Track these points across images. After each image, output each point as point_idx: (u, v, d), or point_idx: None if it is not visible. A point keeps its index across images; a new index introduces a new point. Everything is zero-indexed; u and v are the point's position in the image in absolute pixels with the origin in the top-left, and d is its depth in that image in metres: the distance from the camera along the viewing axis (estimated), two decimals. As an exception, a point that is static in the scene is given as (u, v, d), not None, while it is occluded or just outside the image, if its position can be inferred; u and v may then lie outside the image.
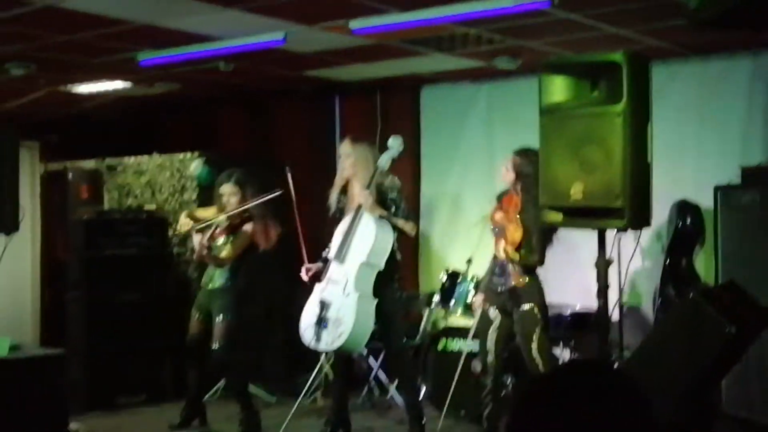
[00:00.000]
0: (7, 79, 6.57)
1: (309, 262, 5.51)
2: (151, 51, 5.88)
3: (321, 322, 5.08)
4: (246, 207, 5.68)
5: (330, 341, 5.04)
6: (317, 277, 5.34)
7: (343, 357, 5.46)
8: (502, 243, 4.79)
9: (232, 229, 5.71)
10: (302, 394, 6.13)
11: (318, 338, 5.08)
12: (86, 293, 6.90)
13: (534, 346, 4.86)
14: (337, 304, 5.07)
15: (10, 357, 4.88)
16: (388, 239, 5.15)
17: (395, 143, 5.21)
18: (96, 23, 5.13)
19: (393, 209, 5.20)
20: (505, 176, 5.05)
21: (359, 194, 5.18)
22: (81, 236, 6.98)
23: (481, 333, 5.08)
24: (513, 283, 4.83)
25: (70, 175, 8.04)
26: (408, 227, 5.25)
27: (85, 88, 7.25)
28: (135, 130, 8.91)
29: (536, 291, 4.95)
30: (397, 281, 5.31)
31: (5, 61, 6.06)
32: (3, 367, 4.85)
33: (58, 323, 7.68)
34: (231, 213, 5.69)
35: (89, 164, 8.10)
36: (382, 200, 5.21)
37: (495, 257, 5.04)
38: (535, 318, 4.90)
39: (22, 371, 4.90)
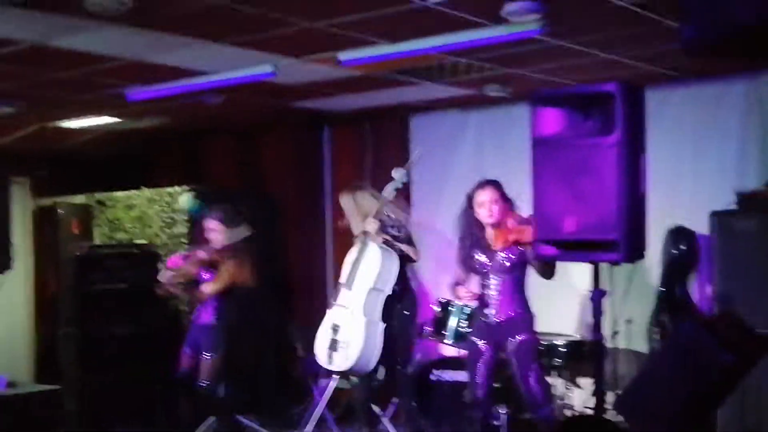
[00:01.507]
0: (-5, 117, 6.55)
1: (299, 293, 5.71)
2: (140, 86, 5.85)
3: (333, 345, 5.44)
4: (225, 246, 5.71)
5: (340, 362, 5.42)
6: None
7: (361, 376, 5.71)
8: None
9: (212, 265, 5.70)
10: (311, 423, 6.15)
11: (330, 360, 5.46)
12: (79, 328, 6.98)
13: (532, 375, 4.81)
14: (346, 328, 5.42)
15: (7, 394, 4.90)
16: (394, 265, 5.52)
17: (398, 175, 5.53)
18: (84, 61, 5.10)
19: (395, 235, 5.62)
20: (498, 210, 4.95)
21: (366, 223, 5.56)
22: (72, 272, 7.07)
23: (470, 366, 5.01)
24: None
25: (60, 211, 8.03)
26: (411, 252, 5.71)
27: (73, 124, 7.22)
28: (124, 164, 8.88)
29: (530, 322, 4.90)
30: (400, 310, 5.73)
31: (-6, 99, 6.04)
32: (0, 404, 4.86)
33: (52, 358, 7.68)
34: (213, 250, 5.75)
35: (79, 199, 8.11)
36: (385, 229, 5.64)
37: (486, 289, 4.96)
38: (531, 348, 4.86)
39: (19, 408, 4.93)
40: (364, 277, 5.45)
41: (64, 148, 8.29)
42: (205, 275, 5.72)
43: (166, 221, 7.37)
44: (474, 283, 5.08)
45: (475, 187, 5.04)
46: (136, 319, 7.01)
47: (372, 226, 5.49)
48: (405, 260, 5.61)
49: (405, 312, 5.86)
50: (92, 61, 5.11)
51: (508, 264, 4.84)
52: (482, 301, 4.96)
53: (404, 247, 5.58)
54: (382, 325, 5.43)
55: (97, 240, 7.84)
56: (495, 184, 4.98)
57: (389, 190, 5.51)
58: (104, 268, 7.00)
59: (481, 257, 4.94)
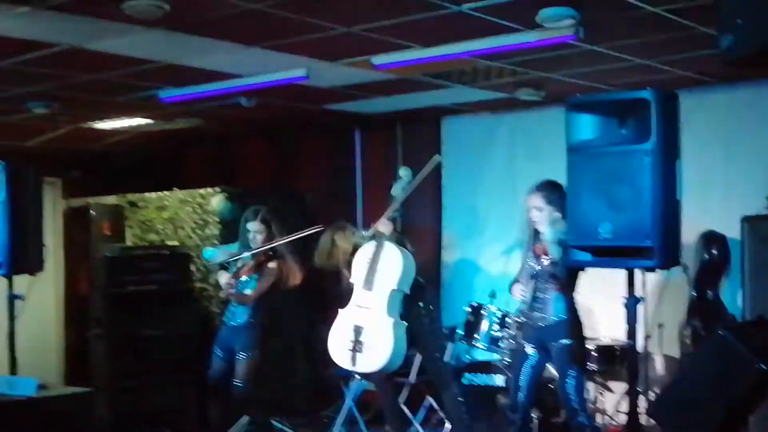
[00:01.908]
0: (29, 117, 6.61)
1: (330, 295, 5.73)
2: (173, 88, 5.90)
3: (357, 347, 5.35)
4: (272, 245, 5.68)
5: (368, 364, 5.33)
6: None
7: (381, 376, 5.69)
8: None
9: (258, 266, 5.70)
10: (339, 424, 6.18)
11: (354, 362, 5.36)
12: (109, 330, 6.95)
13: (570, 382, 4.79)
14: (371, 329, 5.34)
15: (37, 396, 4.91)
16: (412, 265, 5.47)
17: (405, 173, 5.56)
18: (119, 63, 5.15)
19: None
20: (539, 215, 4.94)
21: (381, 224, 5.48)
22: (104, 273, 7.05)
23: (514, 368, 5.01)
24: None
25: (92, 212, 8.05)
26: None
27: (106, 125, 7.27)
28: (156, 166, 8.93)
29: (576, 326, 4.88)
30: (423, 307, 5.64)
31: (28, 100, 6.08)
32: (31, 406, 4.89)
33: (82, 359, 7.70)
34: (256, 251, 5.69)
35: (111, 200, 8.13)
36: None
37: (534, 293, 4.95)
38: (574, 353, 4.84)
39: (50, 410, 4.94)
40: (385, 278, 5.41)
41: (97, 148, 8.34)
42: (244, 277, 5.71)
43: (198, 223, 7.40)
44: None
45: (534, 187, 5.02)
46: (167, 320, 6.97)
47: (386, 227, 5.46)
48: None
49: (429, 306, 5.76)
50: (127, 63, 5.15)
51: (551, 269, 4.82)
52: (531, 304, 4.94)
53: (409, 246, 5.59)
54: (405, 325, 5.41)
55: (129, 241, 7.85)
56: (542, 189, 4.91)
57: (399, 190, 5.52)
58: (136, 270, 6.97)
59: (531, 261, 4.94)
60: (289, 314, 7.58)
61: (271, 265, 5.71)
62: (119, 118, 7.05)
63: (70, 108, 6.43)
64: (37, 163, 5.92)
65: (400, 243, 5.53)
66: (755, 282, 5.38)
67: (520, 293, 4.98)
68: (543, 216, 4.85)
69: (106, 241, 7.84)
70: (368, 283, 5.43)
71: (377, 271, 5.42)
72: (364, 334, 5.36)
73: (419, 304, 5.59)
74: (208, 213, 7.30)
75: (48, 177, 8.24)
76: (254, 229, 5.73)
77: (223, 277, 5.68)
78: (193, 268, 7.25)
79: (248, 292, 5.71)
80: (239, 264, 5.71)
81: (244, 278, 5.71)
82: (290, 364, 7.42)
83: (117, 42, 4.68)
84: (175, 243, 7.38)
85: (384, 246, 5.43)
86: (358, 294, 5.49)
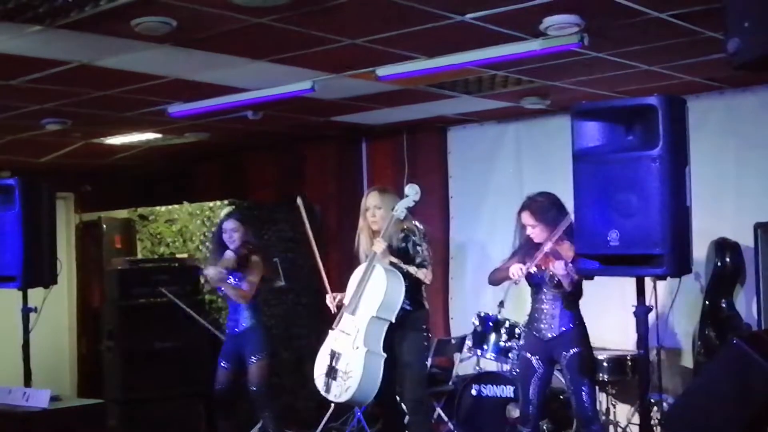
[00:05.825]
0: (43, 134, 6.66)
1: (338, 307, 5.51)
2: (182, 103, 5.93)
3: (331, 373, 5.14)
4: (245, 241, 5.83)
5: (338, 393, 5.11)
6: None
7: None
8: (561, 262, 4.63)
9: (240, 262, 5.74)
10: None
11: (327, 389, 5.16)
12: (121, 342, 6.98)
13: (585, 390, 4.76)
14: (346, 357, 5.11)
15: (50, 408, 4.93)
16: (399, 292, 5.09)
17: (411, 192, 5.15)
18: (128, 79, 5.19)
19: (408, 254, 5.17)
20: (538, 233, 4.90)
21: (374, 242, 5.16)
22: (115, 286, 7.07)
23: (522, 381, 4.97)
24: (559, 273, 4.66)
25: (103, 226, 8.10)
26: (421, 274, 5.16)
27: (117, 140, 7.32)
28: (166, 180, 8.98)
29: (583, 335, 4.85)
30: (424, 331, 5.29)
31: (42, 117, 6.13)
32: (44, 418, 4.91)
33: (94, 371, 7.73)
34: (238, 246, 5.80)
35: (122, 214, 8.18)
36: (398, 247, 5.19)
37: (539, 304, 4.92)
38: (586, 362, 4.81)
39: (62, 422, 4.96)
40: (367, 304, 5.09)
41: (108, 163, 8.40)
42: (232, 278, 5.75)
43: (207, 235, 7.42)
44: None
45: (521, 205, 4.99)
46: (177, 332, 7.00)
47: (379, 246, 5.09)
48: (420, 284, 5.20)
49: (429, 334, 5.40)
50: (137, 79, 5.19)
51: (556, 280, 4.79)
52: (534, 316, 4.92)
53: (412, 269, 5.13)
54: (383, 357, 5.07)
55: (140, 254, 7.89)
56: (530, 207, 4.88)
57: (401, 209, 5.11)
58: (146, 282, 7.00)
59: (533, 272, 4.86)
60: (298, 326, 7.59)
61: (255, 258, 5.76)
62: (129, 133, 7.09)
63: (82, 124, 6.48)
64: (50, 178, 5.98)
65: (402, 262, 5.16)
66: (770, 290, 5.33)
67: (519, 270, 4.76)
68: (538, 231, 4.84)
69: (117, 254, 7.91)
70: (352, 306, 5.16)
71: (362, 295, 5.12)
72: (340, 362, 5.10)
73: (418, 331, 5.26)
74: (216, 225, 7.32)
75: (61, 192, 8.31)
76: (231, 227, 5.84)
77: (211, 270, 5.70)
78: (202, 280, 7.27)
79: (245, 287, 5.74)
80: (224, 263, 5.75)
81: (231, 280, 5.74)
82: (300, 376, 7.42)
83: (126, 58, 4.72)
84: (185, 255, 7.40)
85: (374, 268, 5.10)
86: (344, 317, 5.23)
